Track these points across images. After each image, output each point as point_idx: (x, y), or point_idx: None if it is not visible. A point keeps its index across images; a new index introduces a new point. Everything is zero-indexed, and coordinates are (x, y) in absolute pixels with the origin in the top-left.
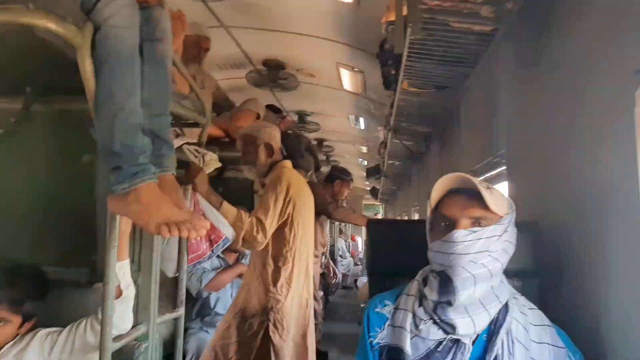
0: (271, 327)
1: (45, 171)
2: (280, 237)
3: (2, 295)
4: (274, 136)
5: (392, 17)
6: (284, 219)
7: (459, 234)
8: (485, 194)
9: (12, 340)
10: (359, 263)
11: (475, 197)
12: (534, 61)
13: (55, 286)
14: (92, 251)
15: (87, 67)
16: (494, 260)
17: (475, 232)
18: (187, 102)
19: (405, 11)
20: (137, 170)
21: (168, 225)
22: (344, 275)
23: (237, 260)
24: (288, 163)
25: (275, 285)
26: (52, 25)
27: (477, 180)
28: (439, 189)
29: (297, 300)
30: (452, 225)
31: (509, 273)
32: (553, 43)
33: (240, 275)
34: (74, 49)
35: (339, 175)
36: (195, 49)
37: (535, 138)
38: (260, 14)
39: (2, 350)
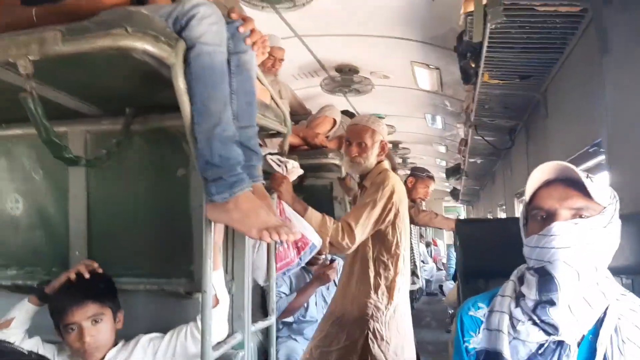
0: (370, 336)
1: (144, 187)
2: (382, 242)
3: (88, 292)
4: (385, 135)
5: (471, 8)
6: (384, 225)
7: (559, 226)
8: (586, 182)
9: (113, 341)
10: (442, 268)
11: (574, 186)
12: (630, 40)
13: (157, 296)
14: (189, 262)
15: (180, 84)
16: (598, 254)
17: (576, 224)
18: (269, 112)
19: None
20: (236, 180)
21: (268, 230)
22: (427, 282)
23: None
24: (388, 164)
25: (376, 292)
26: (148, 47)
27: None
28: (534, 179)
29: (399, 310)
30: (550, 217)
31: (616, 270)
32: None
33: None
34: (168, 67)
35: (413, 172)
36: (270, 61)
37: (638, 122)
38: (332, 20)
39: (107, 356)
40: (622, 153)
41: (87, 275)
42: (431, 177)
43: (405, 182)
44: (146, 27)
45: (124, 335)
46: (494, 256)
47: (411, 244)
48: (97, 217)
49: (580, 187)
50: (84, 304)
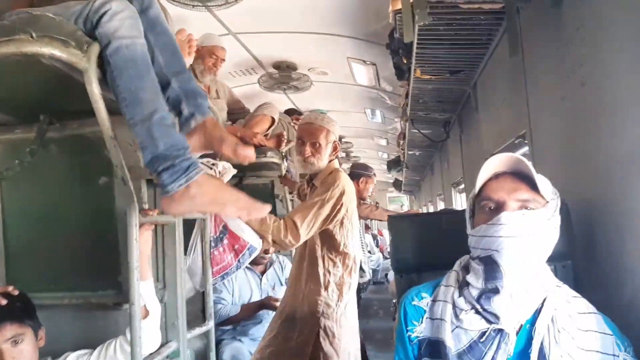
0: (322, 333)
1: (63, 197)
2: (330, 240)
3: (4, 314)
4: (333, 127)
5: (399, 6)
6: (332, 225)
7: (508, 216)
8: (536, 176)
9: None
10: (389, 257)
11: (522, 179)
12: (549, 37)
13: (84, 310)
14: (116, 273)
15: (94, 89)
16: (541, 245)
17: (523, 214)
18: None
19: None
20: (189, 164)
21: (245, 208)
22: (374, 271)
23: (266, 268)
24: (337, 163)
25: (326, 289)
26: (56, 52)
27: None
28: (486, 171)
29: (349, 306)
30: (499, 208)
31: None
32: (570, 13)
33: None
34: (81, 72)
35: (362, 172)
36: (212, 60)
37: (559, 114)
38: (266, 17)
39: None
40: (544, 145)
41: (3, 302)
42: (369, 175)
43: (357, 182)
44: (53, 31)
45: (51, 353)
46: (425, 250)
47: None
48: (14, 231)
49: (527, 181)
50: (1, 326)
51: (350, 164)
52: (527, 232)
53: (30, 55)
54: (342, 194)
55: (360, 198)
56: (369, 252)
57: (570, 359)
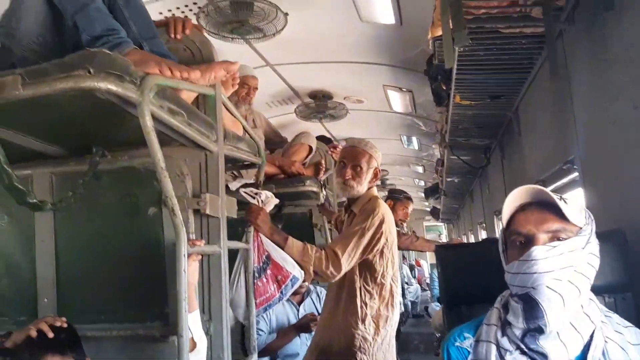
0: None
1: (113, 228)
2: (368, 271)
3: (48, 346)
4: (377, 155)
5: (438, 33)
6: (372, 254)
7: (539, 251)
8: (560, 204)
9: None
10: (427, 288)
11: (549, 209)
12: (596, 58)
13: (131, 341)
14: (163, 304)
15: (147, 122)
16: (580, 276)
17: (555, 246)
18: (242, 143)
19: (451, 24)
20: (121, 42)
21: (165, 64)
22: (413, 303)
23: (303, 298)
24: (376, 191)
25: (363, 322)
26: (112, 87)
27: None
28: (509, 204)
29: (386, 341)
30: (529, 242)
31: (597, 290)
32: (617, 34)
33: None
34: (134, 105)
35: (390, 194)
36: (244, 90)
37: (611, 137)
38: (303, 48)
39: None
40: (595, 170)
41: (50, 335)
42: (409, 198)
43: None
44: (108, 66)
45: None
46: (475, 281)
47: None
48: (65, 261)
49: (555, 210)
50: (44, 358)
51: (387, 191)
52: (561, 265)
53: (87, 90)
54: (381, 222)
55: (400, 221)
56: (407, 283)
57: None
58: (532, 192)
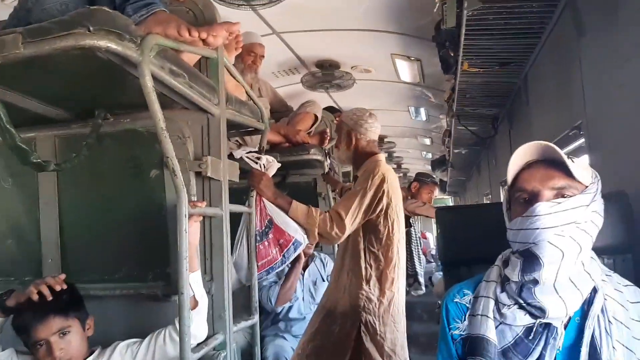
0: (363, 328)
1: (116, 190)
2: (373, 232)
3: (50, 306)
4: (361, 126)
5: None
6: (375, 214)
7: (542, 207)
8: (568, 161)
9: (87, 349)
10: (432, 260)
11: (555, 167)
12: (606, 22)
13: (134, 300)
14: (165, 264)
15: (147, 82)
16: (583, 233)
17: (560, 203)
18: (245, 109)
19: None
20: (151, 2)
21: (183, 26)
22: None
23: (307, 264)
24: (383, 158)
25: (368, 283)
26: (112, 45)
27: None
28: (515, 162)
29: (395, 304)
30: (533, 199)
31: (598, 250)
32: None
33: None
34: (135, 66)
35: (417, 177)
36: (251, 57)
37: (618, 103)
38: (310, 15)
39: None
40: (602, 135)
41: (49, 297)
42: (435, 183)
43: (409, 187)
44: (109, 24)
45: (101, 342)
46: (475, 243)
47: (411, 248)
48: (69, 223)
49: (562, 167)
50: (48, 319)
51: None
52: (565, 221)
53: (87, 48)
54: (382, 181)
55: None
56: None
57: (624, 350)
58: (539, 149)
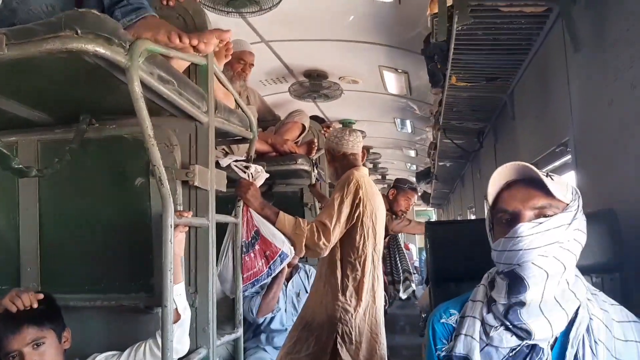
0: (339, 340)
1: (99, 197)
2: (349, 242)
3: (24, 317)
4: (339, 141)
5: (437, 9)
6: (352, 222)
7: (524, 227)
8: (546, 180)
9: None
10: (415, 272)
11: (535, 186)
12: (595, 39)
13: (115, 312)
14: (148, 275)
15: (135, 88)
16: (566, 252)
17: (541, 223)
18: (233, 117)
19: (450, 0)
20: (139, 7)
21: (174, 31)
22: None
23: (291, 275)
24: (360, 169)
25: (344, 294)
26: (100, 50)
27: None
28: (495, 182)
29: (368, 313)
30: (514, 219)
31: (586, 269)
32: (616, 17)
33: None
34: (123, 71)
35: (395, 184)
36: (240, 65)
37: (605, 120)
38: (299, 25)
39: None
40: (589, 152)
41: (21, 307)
42: (414, 189)
43: (386, 194)
44: (97, 28)
45: (80, 354)
46: (464, 258)
47: (397, 254)
48: (49, 231)
49: (541, 186)
50: (21, 330)
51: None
52: (547, 241)
53: (74, 52)
54: (357, 188)
55: (393, 212)
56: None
57: None
58: (517, 169)
